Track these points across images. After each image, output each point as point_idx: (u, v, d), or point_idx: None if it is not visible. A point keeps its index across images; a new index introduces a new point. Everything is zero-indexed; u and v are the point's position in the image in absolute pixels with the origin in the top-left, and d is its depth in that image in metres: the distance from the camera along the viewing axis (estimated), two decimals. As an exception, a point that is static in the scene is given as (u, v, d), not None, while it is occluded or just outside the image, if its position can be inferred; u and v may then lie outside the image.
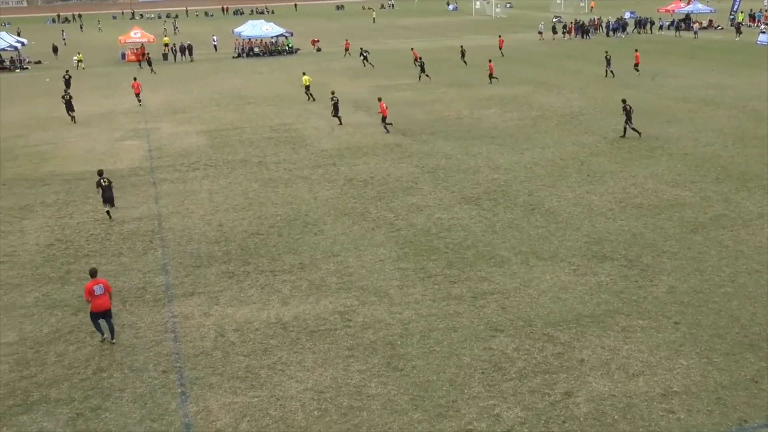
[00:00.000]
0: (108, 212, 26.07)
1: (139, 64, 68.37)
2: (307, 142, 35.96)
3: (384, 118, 37.39)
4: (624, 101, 34.45)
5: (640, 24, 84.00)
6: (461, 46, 64.92)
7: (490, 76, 51.92)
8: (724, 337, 16.13)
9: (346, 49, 70.51)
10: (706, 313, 17.23)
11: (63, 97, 44.47)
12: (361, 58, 64.51)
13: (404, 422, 13.61)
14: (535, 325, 16.98)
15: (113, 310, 18.44)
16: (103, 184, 25.68)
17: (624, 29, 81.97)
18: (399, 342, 16.51)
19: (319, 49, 77.03)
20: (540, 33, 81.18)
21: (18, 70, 71.10)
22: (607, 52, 54.50)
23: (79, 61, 70.39)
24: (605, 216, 24.03)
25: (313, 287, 19.55)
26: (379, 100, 38.29)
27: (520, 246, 21.77)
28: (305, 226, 24.27)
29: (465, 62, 61.72)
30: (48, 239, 24.02)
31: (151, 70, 65.71)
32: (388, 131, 37.28)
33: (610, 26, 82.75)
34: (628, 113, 33.64)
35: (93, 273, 17.13)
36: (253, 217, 25.25)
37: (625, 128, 34.21)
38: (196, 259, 21.85)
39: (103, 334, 17.26)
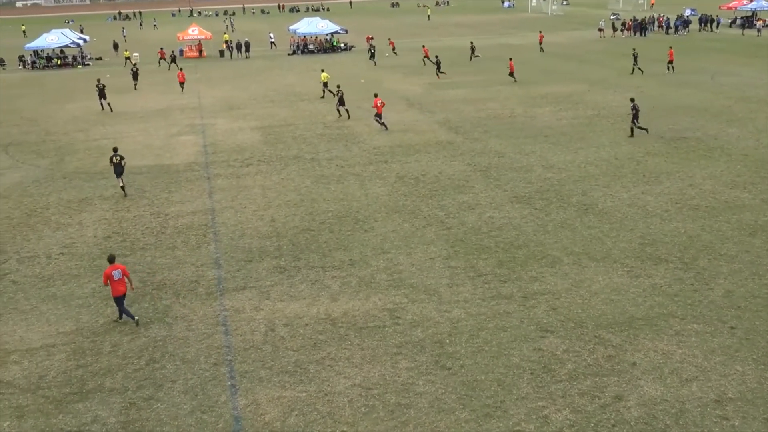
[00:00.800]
0: (122, 187, 28.53)
1: (158, 63, 69.31)
2: (360, 139, 36.08)
3: (378, 115, 37.53)
4: (632, 100, 34.35)
5: (702, 21, 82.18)
6: (471, 43, 66.06)
7: (511, 74, 51.79)
8: (783, 343, 15.71)
9: (392, 48, 71.27)
10: (763, 318, 16.77)
11: (97, 86, 47.00)
12: (369, 54, 66.49)
13: (451, 421, 13.57)
14: (586, 327, 16.76)
15: (168, 304, 18.82)
16: (115, 161, 28.36)
17: (686, 26, 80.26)
18: (447, 340, 16.47)
19: (372, 47, 77.10)
20: (600, 30, 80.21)
21: (80, 66, 72.86)
22: (634, 49, 54.95)
23: (127, 57, 71.77)
24: (661, 217, 23.58)
25: (363, 284, 19.61)
26: (375, 96, 38.48)
27: (573, 246, 21.51)
28: (356, 222, 24.36)
29: (471, 58, 63.11)
30: (105, 232, 24.58)
31: (174, 66, 66.87)
32: (386, 128, 37.51)
33: (669, 23, 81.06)
34: (636, 112, 33.59)
35: (111, 259, 17.81)
36: (305, 213, 25.45)
37: (632, 128, 34.01)
38: (248, 253, 22.12)
39: (136, 319, 17.73)
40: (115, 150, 28.85)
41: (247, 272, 20.73)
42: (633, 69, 52.29)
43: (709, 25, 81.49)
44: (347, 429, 13.50)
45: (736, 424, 13.08)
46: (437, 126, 38.36)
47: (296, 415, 14.01)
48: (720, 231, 22.19)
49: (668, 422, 13.21)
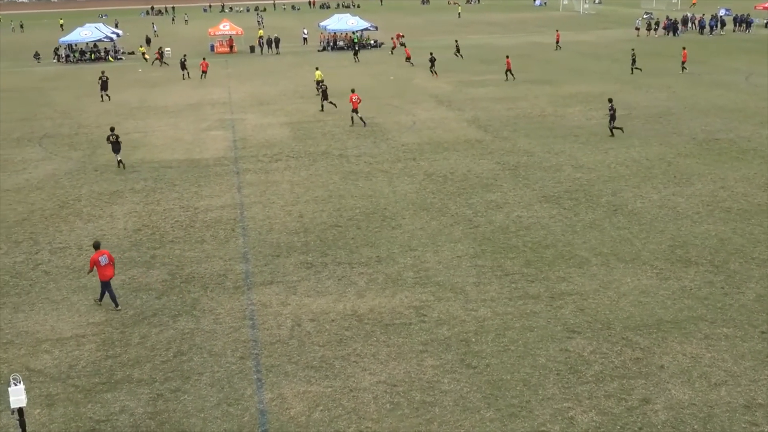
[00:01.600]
0: (119, 162, 31.58)
1: (154, 62, 69.55)
2: (388, 136, 36.08)
3: (355, 110, 38.15)
4: (610, 100, 34.64)
5: (737, 21, 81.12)
6: (456, 41, 66.61)
7: (507, 71, 51.85)
8: (815, 349, 15.46)
9: (394, 47, 71.77)
10: (796, 324, 16.53)
11: (100, 78, 49.56)
12: (353, 52, 68.49)
13: (476, 420, 13.55)
14: (613, 329, 16.63)
15: (196, 297, 18.99)
16: (112, 140, 31.45)
17: (722, 27, 79.24)
18: (473, 339, 16.43)
19: (402, 44, 77.05)
20: (637, 29, 79.80)
21: (112, 60, 73.61)
22: (633, 49, 55.60)
23: (143, 53, 72.06)
24: (691, 219, 23.32)
25: (390, 281, 19.63)
26: (352, 91, 39.10)
27: (601, 247, 21.34)
28: (383, 219, 24.38)
29: (455, 55, 63.35)
30: (135, 224, 24.84)
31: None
32: (353, 123, 38.40)
33: (703, 23, 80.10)
34: (613, 113, 33.91)
35: (96, 245, 18.60)
36: (333, 209, 25.51)
37: (611, 128, 34.29)
38: (275, 248, 22.23)
39: (117, 306, 18.38)
40: (112, 129, 32.07)
41: (274, 267, 20.84)
42: (632, 69, 52.55)
43: (743, 25, 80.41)
44: (372, 425, 13.53)
45: (766, 430, 12.90)
46: (466, 124, 38.25)
47: (321, 410, 14.06)
48: (752, 234, 21.89)
49: (696, 427, 13.07)
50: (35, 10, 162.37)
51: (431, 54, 55.95)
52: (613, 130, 34.16)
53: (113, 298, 18.45)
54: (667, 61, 57.04)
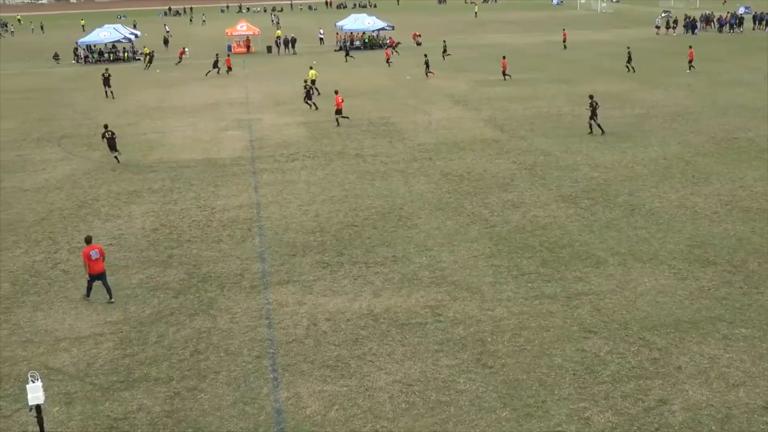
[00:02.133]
0: (116, 157, 32.61)
1: (178, 62, 69.85)
2: (404, 136, 36.07)
3: (338, 111, 38.71)
4: (591, 96, 34.70)
5: (756, 20, 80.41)
6: (443, 41, 66.81)
7: (503, 73, 51.79)
8: (835, 350, 15.31)
9: (392, 45, 71.96)
10: (815, 325, 16.37)
11: (103, 75, 51.29)
12: (344, 53, 69.39)
13: (492, 420, 13.53)
14: (630, 329, 16.55)
15: (213, 296, 19.06)
16: (108, 136, 32.53)
17: (740, 24, 78.60)
18: (489, 339, 16.41)
19: (419, 44, 77.06)
20: (657, 27, 79.52)
21: (131, 61, 74.08)
22: (628, 47, 55.35)
23: (146, 54, 72.15)
24: (710, 219, 23.15)
25: (405, 280, 19.63)
26: (336, 93, 39.74)
27: (618, 247, 21.24)
28: (399, 219, 24.38)
29: (443, 57, 63.27)
30: (153, 224, 24.99)
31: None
32: (338, 124, 38.75)
33: (723, 22, 79.51)
34: (593, 109, 34.02)
35: (88, 240, 19.16)
36: (349, 209, 25.55)
37: (590, 124, 34.42)
38: (292, 248, 22.29)
39: (88, 296, 19.02)
40: (106, 126, 33.17)
41: (290, 266, 20.90)
42: (628, 68, 52.69)
43: (764, 23, 79.72)
44: (387, 424, 13.55)
45: (784, 431, 12.81)
46: (482, 123, 38.18)
47: (337, 409, 14.10)
48: (771, 234, 21.72)
49: (714, 428, 12.99)
50: (55, 12, 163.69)
51: (425, 56, 56.06)
52: (592, 126, 34.29)
53: (108, 290, 18.98)
54: (685, 60, 56.55)
